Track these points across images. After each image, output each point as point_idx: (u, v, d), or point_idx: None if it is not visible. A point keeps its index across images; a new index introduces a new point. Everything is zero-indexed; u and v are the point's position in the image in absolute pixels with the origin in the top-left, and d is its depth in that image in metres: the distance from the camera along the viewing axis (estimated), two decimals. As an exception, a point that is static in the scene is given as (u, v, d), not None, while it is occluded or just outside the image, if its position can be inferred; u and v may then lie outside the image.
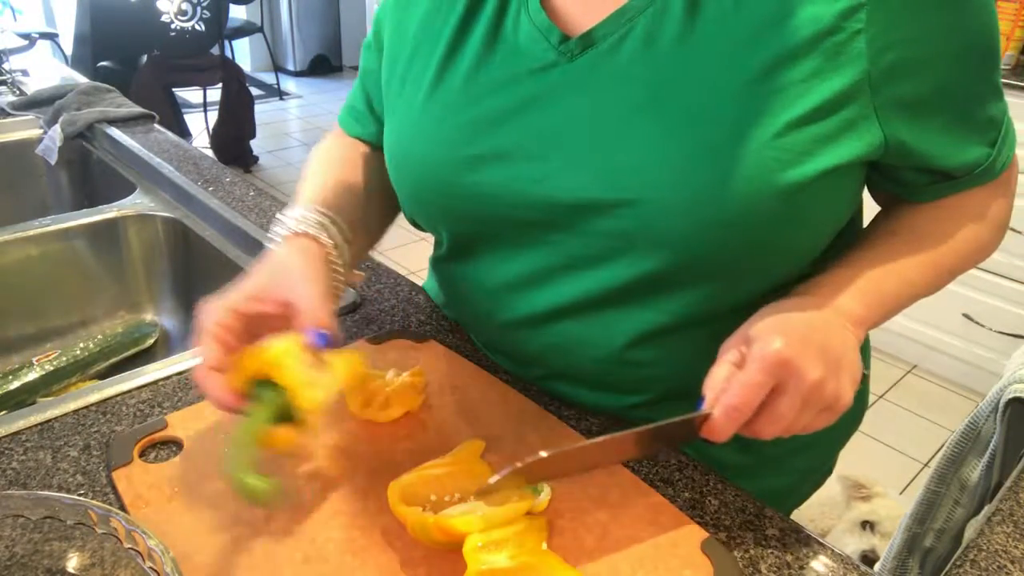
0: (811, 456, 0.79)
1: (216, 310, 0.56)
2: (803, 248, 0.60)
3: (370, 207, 0.73)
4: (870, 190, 0.67)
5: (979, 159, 0.60)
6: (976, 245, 0.64)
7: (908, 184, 0.62)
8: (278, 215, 0.65)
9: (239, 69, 3.61)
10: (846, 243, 0.65)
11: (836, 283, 0.59)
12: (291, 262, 0.60)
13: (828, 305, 0.57)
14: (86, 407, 0.67)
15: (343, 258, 0.65)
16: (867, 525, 1.48)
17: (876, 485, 1.55)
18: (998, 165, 0.61)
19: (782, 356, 0.51)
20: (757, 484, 0.66)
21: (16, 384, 0.94)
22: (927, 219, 0.64)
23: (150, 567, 0.47)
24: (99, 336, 1.03)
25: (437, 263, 0.77)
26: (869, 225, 0.68)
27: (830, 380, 0.52)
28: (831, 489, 1.58)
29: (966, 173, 0.60)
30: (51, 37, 3.22)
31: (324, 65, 5.37)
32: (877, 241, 0.63)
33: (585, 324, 0.63)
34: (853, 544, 1.45)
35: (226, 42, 3.73)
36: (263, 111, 4.46)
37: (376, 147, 0.78)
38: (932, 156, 0.58)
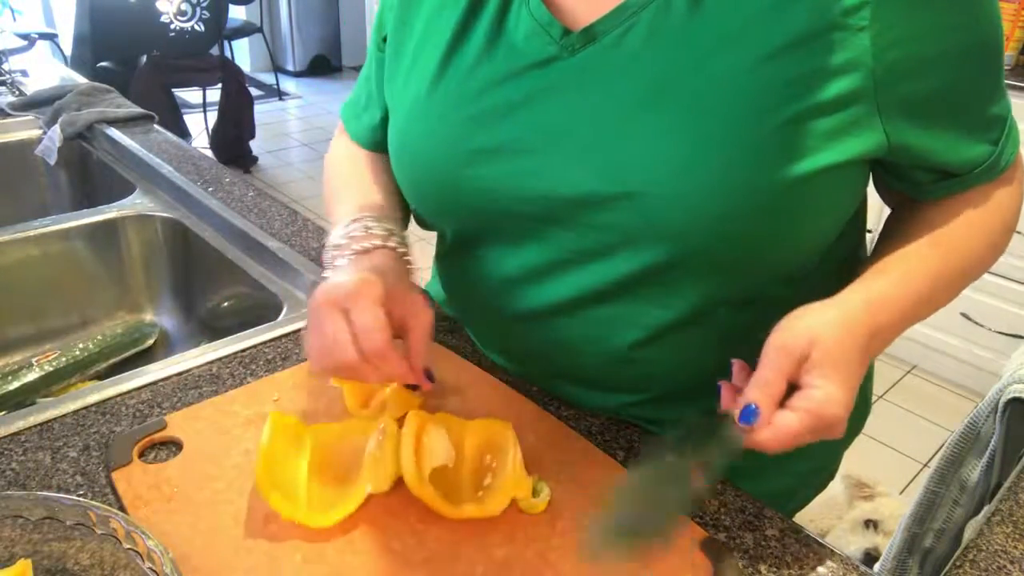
0: (813, 459, 0.79)
1: (368, 304, 0.55)
2: (804, 243, 0.60)
3: (402, 204, 0.74)
4: (878, 189, 0.67)
5: (982, 156, 0.59)
6: (991, 252, 0.64)
7: (914, 182, 0.62)
8: (334, 237, 0.64)
9: (239, 69, 3.61)
10: (849, 240, 0.64)
11: (879, 300, 0.57)
12: (391, 274, 0.60)
13: (870, 326, 0.55)
14: (85, 407, 0.67)
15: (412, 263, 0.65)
16: (870, 524, 1.48)
17: (879, 485, 1.55)
18: (1001, 162, 0.60)
19: (837, 418, 0.51)
20: (758, 486, 0.66)
21: (16, 384, 0.94)
22: (946, 225, 0.62)
23: (149, 568, 0.47)
24: (99, 336, 1.03)
25: (441, 259, 0.77)
26: (892, 228, 0.66)
27: (846, 420, 0.52)
28: (832, 489, 1.58)
29: (969, 171, 0.60)
30: (50, 37, 3.21)
31: (324, 65, 5.36)
32: (910, 252, 0.61)
33: (588, 320, 0.63)
34: (856, 542, 1.46)
35: (225, 42, 3.72)
36: (263, 111, 4.46)
37: (366, 147, 0.78)
38: (935, 153, 0.58)
